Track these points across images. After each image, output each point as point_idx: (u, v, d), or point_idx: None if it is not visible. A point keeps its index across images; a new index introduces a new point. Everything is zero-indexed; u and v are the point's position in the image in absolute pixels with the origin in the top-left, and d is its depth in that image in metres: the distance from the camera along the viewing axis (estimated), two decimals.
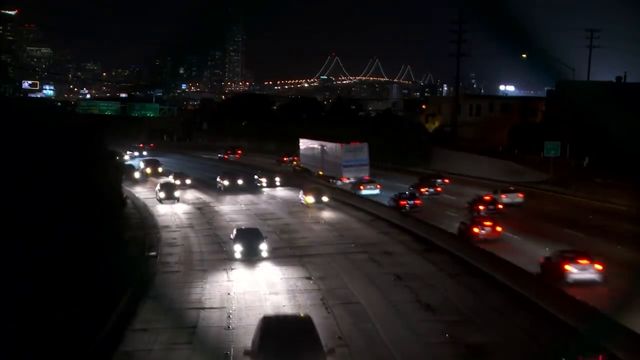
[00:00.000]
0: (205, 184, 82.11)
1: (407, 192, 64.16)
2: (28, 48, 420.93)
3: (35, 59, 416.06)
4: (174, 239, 50.53)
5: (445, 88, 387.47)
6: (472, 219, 48.22)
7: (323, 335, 23.75)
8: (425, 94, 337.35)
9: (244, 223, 54.02)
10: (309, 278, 38.06)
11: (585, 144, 76.49)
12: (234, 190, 74.85)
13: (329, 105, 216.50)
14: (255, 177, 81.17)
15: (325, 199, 64.06)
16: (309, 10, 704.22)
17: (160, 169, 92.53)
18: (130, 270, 39.37)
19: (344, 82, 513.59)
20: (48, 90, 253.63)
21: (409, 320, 30.26)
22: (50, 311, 27.77)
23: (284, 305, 32.82)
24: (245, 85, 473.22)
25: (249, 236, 43.56)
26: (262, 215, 60.64)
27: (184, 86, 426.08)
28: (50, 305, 28.11)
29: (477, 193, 62.23)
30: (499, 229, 45.80)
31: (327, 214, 61.12)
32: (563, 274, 34.31)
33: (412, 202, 60.38)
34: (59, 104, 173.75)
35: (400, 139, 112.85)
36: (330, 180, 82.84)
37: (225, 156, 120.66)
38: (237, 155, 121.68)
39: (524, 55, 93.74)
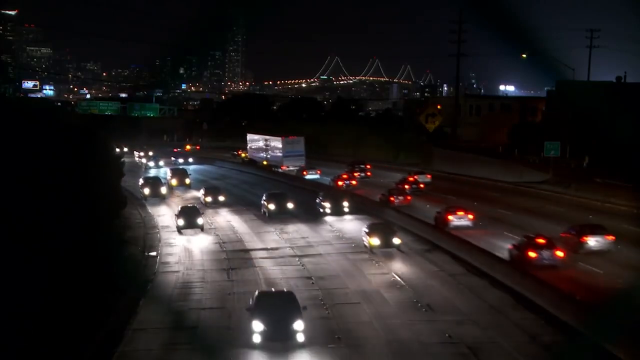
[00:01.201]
0: (243, 201, 68.14)
1: (396, 187, 67.64)
2: (28, 48, 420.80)
3: (35, 59, 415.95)
4: (174, 238, 50.52)
5: (445, 88, 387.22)
6: (389, 191, 64.77)
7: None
8: (425, 94, 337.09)
9: (279, 278, 38.35)
10: None
11: (585, 144, 76.47)
12: (282, 216, 56.88)
13: (329, 105, 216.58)
14: (318, 200, 61.04)
15: (396, 241, 43.81)
16: (309, 10, 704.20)
17: (187, 180, 77.99)
18: (130, 270, 39.42)
19: (344, 82, 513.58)
20: (48, 91, 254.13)
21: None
22: (50, 311, 27.76)
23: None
24: (245, 85, 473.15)
25: (278, 306, 28.30)
26: (310, 266, 41.17)
27: (184, 86, 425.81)
28: (51, 305, 28.11)
29: (395, 177, 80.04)
30: (409, 198, 63.73)
31: (401, 268, 41.08)
32: (447, 222, 50.71)
33: (402, 197, 62.65)
34: (59, 104, 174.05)
35: (400, 139, 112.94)
36: (274, 168, 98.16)
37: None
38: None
39: (524, 55, 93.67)
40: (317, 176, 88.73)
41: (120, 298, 33.32)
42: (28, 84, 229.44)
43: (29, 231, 29.96)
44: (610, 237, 41.74)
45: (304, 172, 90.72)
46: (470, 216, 51.55)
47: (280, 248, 46.73)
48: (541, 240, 39.34)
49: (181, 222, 51.75)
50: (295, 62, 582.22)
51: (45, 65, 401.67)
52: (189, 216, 51.91)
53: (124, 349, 27.56)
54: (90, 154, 45.12)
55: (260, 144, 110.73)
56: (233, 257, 44.01)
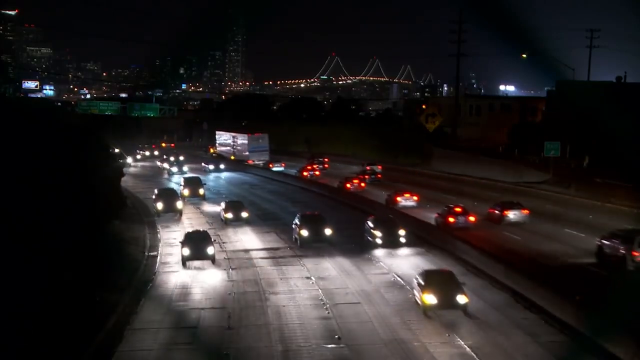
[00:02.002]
0: (271, 219, 58.45)
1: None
2: (28, 48, 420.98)
3: (35, 59, 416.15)
4: (174, 239, 50.46)
5: (445, 88, 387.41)
6: (345, 179, 76.12)
7: None
8: (425, 94, 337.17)
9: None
10: None
11: (585, 144, 76.42)
12: (318, 245, 45.41)
13: (329, 105, 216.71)
14: (367, 225, 46.97)
15: (462, 299, 30.20)
16: (309, 10, 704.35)
17: (201, 191, 69.09)
18: (131, 270, 39.41)
19: (344, 82, 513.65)
20: (48, 91, 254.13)
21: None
22: (50, 311, 27.76)
23: (284, 305, 32.89)
24: (245, 85, 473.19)
25: None
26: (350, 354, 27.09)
27: (184, 86, 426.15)
28: (50, 305, 28.10)
29: (352, 168, 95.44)
30: (362, 184, 75.33)
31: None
32: (396, 203, 60.72)
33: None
34: (59, 104, 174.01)
35: (400, 139, 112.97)
36: (245, 163, 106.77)
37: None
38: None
39: (524, 55, 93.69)
40: (281, 168, 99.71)
41: (120, 298, 33.32)
42: (28, 84, 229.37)
43: (29, 231, 29.97)
44: (526, 212, 52.18)
45: (270, 165, 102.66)
46: (415, 198, 62.08)
47: (307, 304, 33.05)
48: (458, 209, 51.03)
49: (186, 251, 41.42)
50: (295, 62, 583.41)
51: (45, 65, 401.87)
52: (197, 244, 41.63)
53: (124, 349, 27.55)
54: (90, 154, 45.12)
55: (228, 140, 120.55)
56: (244, 314, 31.85)
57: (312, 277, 38.02)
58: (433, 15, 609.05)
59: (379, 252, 44.01)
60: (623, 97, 73.86)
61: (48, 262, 29.74)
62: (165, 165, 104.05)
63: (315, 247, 45.07)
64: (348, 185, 74.01)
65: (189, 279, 38.72)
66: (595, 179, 66.75)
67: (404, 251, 44.39)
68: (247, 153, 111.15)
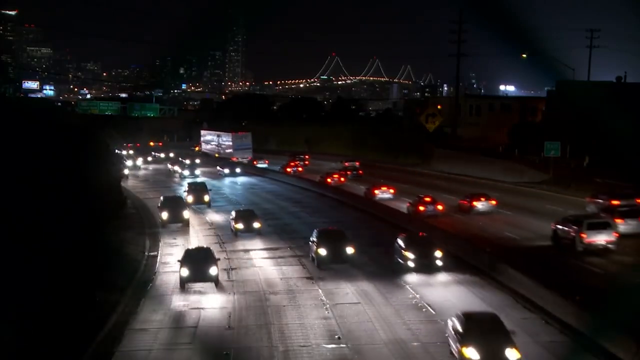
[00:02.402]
0: (288, 232, 52.39)
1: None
2: (28, 48, 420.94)
3: (35, 59, 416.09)
4: (174, 239, 50.46)
5: (445, 88, 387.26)
6: (326, 174, 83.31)
7: None
8: (425, 94, 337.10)
9: None
10: None
11: (585, 144, 76.42)
12: (338, 267, 39.48)
13: (329, 105, 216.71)
14: (397, 244, 40.11)
15: (512, 355, 23.58)
16: (309, 10, 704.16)
17: (207, 197, 64.36)
18: (131, 270, 39.41)
19: (344, 82, 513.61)
20: (48, 91, 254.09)
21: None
22: (50, 311, 27.76)
23: (284, 306, 32.88)
24: (245, 85, 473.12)
25: None
26: None
27: (184, 86, 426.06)
28: (51, 305, 28.10)
29: (330, 165, 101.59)
30: (342, 179, 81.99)
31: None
32: (373, 195, 66.87)
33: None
34: (59, 104, 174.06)
35: (400, 139, 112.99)
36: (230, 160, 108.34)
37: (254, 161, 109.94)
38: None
39: (524, 55, 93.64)
40: (265, 165, 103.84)
41: (120, 298, 33.34)
42: (28, 84, 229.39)
43: (29, 231, 29.96)
44: (493, 202, 57.66)
45: (255, 162, 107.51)
46: (392, 191, 67.58)
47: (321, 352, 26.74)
48: (428, 199, 56.86)
49: (185, 272, 36.31)
50: (295, 62, 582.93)
51: (45, 65, 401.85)
52: (198, 264, 36.45)
53: (123, 349, 27.54)
54: (90, 153, 45.10)
55: (213, 138, 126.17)
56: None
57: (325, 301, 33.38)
58: (433, 15, 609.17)
59: (411, 278, 37.30)
60: (623, 97, 73.85)
61: (48, 262, 29.73)
62: (177, 168, 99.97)
63: (336, 269, 39.18)
64: (329, 180, 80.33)
65: (185, 306, 33.11)
66: (596, 179, 66.77)
67: (441, 278, 37.42)
68: (231, 150, 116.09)
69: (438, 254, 38.19)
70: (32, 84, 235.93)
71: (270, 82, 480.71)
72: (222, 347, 27.37)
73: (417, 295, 33.95)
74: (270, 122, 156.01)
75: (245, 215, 51.64)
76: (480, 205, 57.09)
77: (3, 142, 34.26)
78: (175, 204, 55.94)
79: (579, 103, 74.39)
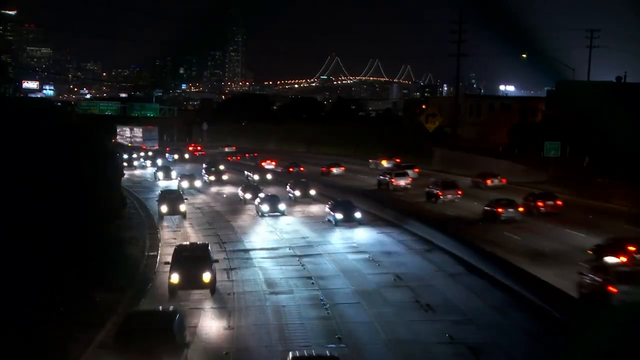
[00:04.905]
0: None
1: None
2: (28, 48, 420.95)
3: (35, 59, 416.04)
4: (174, 239, 50.45)
5: (445, 88, 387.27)
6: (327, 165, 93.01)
7: None
8: (425, 94, 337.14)
9: None
10: None
11: (585, 144, 76.39)
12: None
13: (329, 105, 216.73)
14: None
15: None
16: (309, 10, 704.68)
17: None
18: (131, 270, 39.40)
19: (344, 82, 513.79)
20: (48, 91, 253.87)
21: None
22: (50, 311, 27.77)
23: (284, 306, 32.88)
24: (245, 85, 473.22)
25: None
26: None
27: (184, 86, 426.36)
28: (51, 305, 28.11)
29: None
30: (301, 168, 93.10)
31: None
32: (330, 172, 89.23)
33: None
34: (59, 104, 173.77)
35: (400, 139, 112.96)
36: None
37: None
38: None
39: (524, 55, 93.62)
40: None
41: (120, 298, 33.32)
42: (28, 84, 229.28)
43: (29, 231, 29.97)
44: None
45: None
46: (342, 168, 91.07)
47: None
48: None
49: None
50: (295, 62, 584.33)
51: (45, 65, 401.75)
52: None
53: None
54: (90, 153, 45.11)
55: (127, 132, 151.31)
56: None
57: None
58: (433, 15, 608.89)
59: None
60: (623, 97, 73.80)
61: (48, 262, 29.74)
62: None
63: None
64: (291, 169, 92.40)
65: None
66: (596, 179, 66.76)
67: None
68: (140, 140, 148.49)
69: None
70: (32, 84, 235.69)
71: (270, 82, 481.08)
72: (222, 347, 27.38)
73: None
74: (270, 122, 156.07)
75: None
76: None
77: (3, 142, 34.27)
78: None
79: (579, 103, 74.40)
